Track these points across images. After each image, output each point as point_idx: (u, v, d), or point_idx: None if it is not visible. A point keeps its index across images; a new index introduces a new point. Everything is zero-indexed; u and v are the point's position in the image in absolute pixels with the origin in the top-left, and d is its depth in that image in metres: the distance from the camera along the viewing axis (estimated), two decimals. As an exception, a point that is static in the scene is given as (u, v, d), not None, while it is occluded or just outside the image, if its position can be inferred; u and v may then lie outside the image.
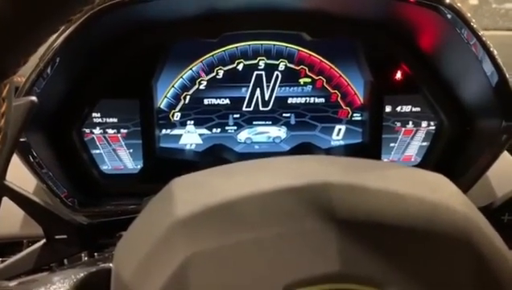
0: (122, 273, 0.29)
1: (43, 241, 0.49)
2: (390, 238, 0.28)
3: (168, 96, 0.79)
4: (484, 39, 0.65)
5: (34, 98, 0.41)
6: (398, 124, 0.81)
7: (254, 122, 0.82)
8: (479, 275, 0.28)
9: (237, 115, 0.81)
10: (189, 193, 0.30)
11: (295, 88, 0.81)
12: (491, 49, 0.65)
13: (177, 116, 0.80)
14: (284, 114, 0.82)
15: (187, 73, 0.79)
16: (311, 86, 0.81)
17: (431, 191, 0.31)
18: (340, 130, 0.83)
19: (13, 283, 0.33)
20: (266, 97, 0.81)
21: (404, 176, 0.33)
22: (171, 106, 0.80)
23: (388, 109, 0.81)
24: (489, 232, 0.31)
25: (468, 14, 0.65)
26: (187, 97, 0.80)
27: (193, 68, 0.79)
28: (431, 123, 0.81)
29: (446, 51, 0.74)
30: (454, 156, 0.78)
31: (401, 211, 0.28)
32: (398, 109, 0.81)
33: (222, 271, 0.26)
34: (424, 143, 0.82)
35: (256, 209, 0.28)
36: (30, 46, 0.27)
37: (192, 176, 0.32)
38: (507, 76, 0.66)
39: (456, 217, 0.29)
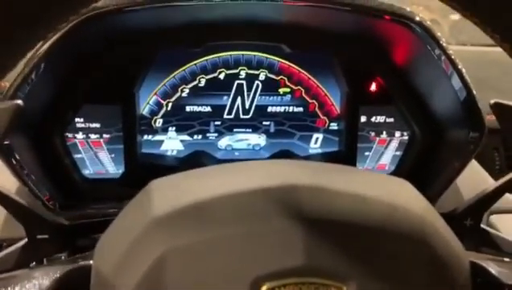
0: (102, 268, 0.31)
1: (25, 240, 0.49)
2: (351, 237, 0.30)
3: (150, 103, 0.81)
4: (453, 56, 0.68)
5: (19, 102, 0.42)
6: (373, 134, 0.84)
7: (235, 130, 0.84)
8: (434, 274, 0.30)
9: (218, 122, 0.83)
10: (165, 194, 0.32)
11: (275, 97, 0.83)
12: (459, 66, 0.69)
13: (159, 122, 0.82)
14: (264, 122, 0.84)
15: (169, 81, 0.80)
16: (290, 96, 0.83)
17: (391, 194, 0.33)
18: (317, 138, 0.86)
19: None
20: (247, 106, 0.83)
21: (368, 180, 0.35)
22: (153, 113, 0.81)
23: (363, 119, 0.84)
24: (445, 233, 0.33)
25: (439, 34, 0.69)
26: (170, 104, 0.81)
27: (176, 76, 0.80)
28: (404, 133, 0.84)
29: (418, 65, 0.77)
30: (426, 165, 0.81)
31: (362, 212, 0.31)
32: (373, 119, 0.84)
33: (195, 265, 0.28)
34: (397, 153, 0.85)
35: (228, 209, 0.30)
36: (18, 53, 0.28)
37: (169, 178, 0.34)
38: (474, 91, 0.69)
39: (412, 218, 0.31)
